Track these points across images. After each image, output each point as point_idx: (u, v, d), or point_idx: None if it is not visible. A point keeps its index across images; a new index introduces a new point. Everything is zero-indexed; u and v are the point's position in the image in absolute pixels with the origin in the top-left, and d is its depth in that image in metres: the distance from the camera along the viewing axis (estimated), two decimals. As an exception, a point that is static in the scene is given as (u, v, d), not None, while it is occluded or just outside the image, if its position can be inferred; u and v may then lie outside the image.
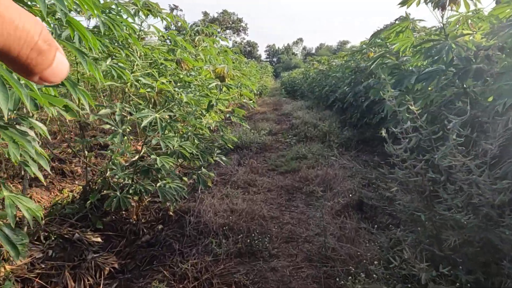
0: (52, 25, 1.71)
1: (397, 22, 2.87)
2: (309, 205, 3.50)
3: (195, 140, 2.78)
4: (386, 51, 2.95)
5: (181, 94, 2.35)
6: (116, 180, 2.33)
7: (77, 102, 1.58)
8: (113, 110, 2.16)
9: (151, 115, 2.10)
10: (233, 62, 8.39)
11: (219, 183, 4.16)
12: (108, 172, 2.37)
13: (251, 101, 3.17)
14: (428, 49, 2.44)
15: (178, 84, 3.10)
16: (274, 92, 22.10)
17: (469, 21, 3.07)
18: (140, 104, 2.39)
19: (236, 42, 63.04)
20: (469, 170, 1.78)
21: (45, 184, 3.48)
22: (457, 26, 3.24)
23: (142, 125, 2.02)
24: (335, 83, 7.64)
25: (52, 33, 1.72)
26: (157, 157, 2.29)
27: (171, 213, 3.09)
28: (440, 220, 1.85)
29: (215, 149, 3.08)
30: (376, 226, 2.89)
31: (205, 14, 59.93)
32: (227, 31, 62.35)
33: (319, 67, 10.77)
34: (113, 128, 2.19)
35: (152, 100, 2.30)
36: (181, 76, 3.13)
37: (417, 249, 1.89)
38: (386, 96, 2.07)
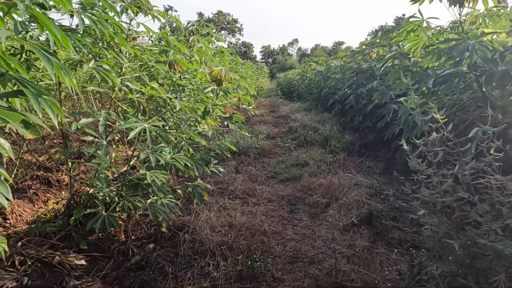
0: (18, 20, 1.44)
1: (411, 20, 2.63)
2: (313, 218, 3.24)
3: (190, 150, 2.52)
4: (397, 52, 2.71)
5: (174, 101, 2.09)
6: (100, 197, 2.06)
7: (50, 114, 1.32)
8: (96, 119, 1.89)
9: (139, 125, 1.84)
10: (229, 64, 8.13)
11: (216, 193, 3.90)
12: (91, 189, 2.10)
13: (251, 107, 2.92)
14: (449, 49, 2.20)
15: (171, 88, 2.83)
16: (270, 93, 21.87)
17: (487, 19, 2.85)
18: (127, 112, 2.12)
19: (231, 43, 62.73)
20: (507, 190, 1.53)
21: (8, 208, 3.18)
22: (473, 25, 3.01)
23: (129, 137, 1.75)
24: (334, 85, 7.41)
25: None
26: (147, 172, 2.02)
27: (163, 229, 2.82)
28: (471, 246, 1.60)
29: (212, 159, 2.81)
30: (388, 244, 2.65)
31: (200, 15, 59.51)
32: (222, 31, 62.02)
33: (317, 68, 10.54)
34: (96, 140, 1.92)
35: (141, 107, 2.03)
36: (174, 79, 2.86)
37: (446, 279, 1.64)
38: (409, 102, 1.81)
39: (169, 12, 57.09)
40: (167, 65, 3.02)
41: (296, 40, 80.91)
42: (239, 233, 2.84)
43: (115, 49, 2.31)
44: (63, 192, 4.05)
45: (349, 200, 3.30)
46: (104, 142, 1.93)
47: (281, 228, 3.05)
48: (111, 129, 2.58)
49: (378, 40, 5.83)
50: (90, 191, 2.08)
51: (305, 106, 10.83)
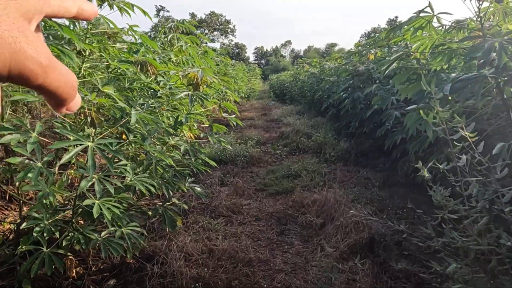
0: None
1: (421, 15, 2.24)
2: (306, 241, 2.83)
3: (159, 169, 2.09)
4: (404, 52, 2.32)
5: (130, 110, 1.67)
6: (36, 234, 1.63)
7: None
8: (26, 136, 1.46)
9: (80, 144, 1.41)
10: (218, 65, 7.71)
11: (196, 209, 3.47)
12: (24, 224, 1.66)
13: (233, 116, 2.50)
14: (471, 49, 1.81)
15: (140, 93, 2.41)
16: (263, 95, 21.51)
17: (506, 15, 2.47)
18: (66, 125, 1.68)
19: (224, 44, 62.25)
20: None
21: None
22: (488, 22, 2.64)
23: (63, 160, 1.33)
24: (328, 88, 7.02)
25: None
26: (96, 201, 1.59)
27: (129, 260, 2.38)
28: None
29: (187, 177, 2.39)
30: (395, 279, 2.25)
31: (193, 15, 58.92)
32: (215, 32, 61.56)
33: (310, 69, 10.16)
34: (26, 162, 1.49)
35: (89, 119, 1.60)
36: (145, 83, 2.44)
37: None
38: (430, 117, 1.41)
39: (161, 12, 56.34)
40: (138, 66, 2.60)
41: (289, 42, 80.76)
42: (219, 263, 2.42)
43: (65, 46, 1.87)
44: (24, 208, 3.59)
45: (346, 221, 2.89)
46: (39, 164, 1.50)
47: (269, 255, 2.63)
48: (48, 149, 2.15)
49: (372, 42, 5.46)
50: (22, 226, 1.64)
51: (297, 109, 10.45)
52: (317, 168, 4.43)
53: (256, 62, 72.10)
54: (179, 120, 2.16)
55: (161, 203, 2.38)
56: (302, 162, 4.79)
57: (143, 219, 2.75)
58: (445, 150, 2.48)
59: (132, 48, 2.61)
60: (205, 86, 2.37)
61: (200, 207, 3.55)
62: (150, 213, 2.47)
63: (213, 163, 2.51)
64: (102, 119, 1.65)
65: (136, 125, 2.12)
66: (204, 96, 2.13)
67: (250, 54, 77.56)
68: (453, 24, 2.92)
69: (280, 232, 3.02)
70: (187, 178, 2.38)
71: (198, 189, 2.40)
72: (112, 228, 1.88)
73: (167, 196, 2.15)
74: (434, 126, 1.44)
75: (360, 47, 5.19)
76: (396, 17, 49.55)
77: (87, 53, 2.37)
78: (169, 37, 3.55)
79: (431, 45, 2.59)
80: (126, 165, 1.87)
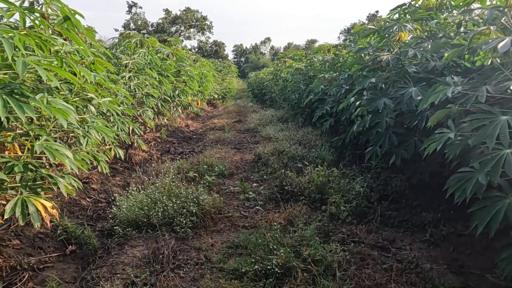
0: None
1: None
2: None
3: None
4: None
5: None
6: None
7: None
8: None
9: None
10: (165, 59, 5.45)
11: None
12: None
13: None
14: None
15: None
16: (242, 94, 19.36)
17: None
18: None
19: (201, 42, 59.40)
20: None
21: None
22: None
23: None
24: (323, 89, 4.89)
25: None
26: None
27: None
28: None
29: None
30: None
31: (167, 11, 55.80)
32: (191, 29, 58.63)
33: (293, 64, 7.98)
34: None
35: None
36: None
37: None
38: None
39: (133, 9, 53.02)
40: None
41: (268, 39, 78.42)
42: None
43: None
44: None
45: None
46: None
47: None
48: None
49: (401, 12, 3.35)
50: None
51: (279, 114, 8.30)
52: (323, 254, 2.26)
53: (236, 59, 69.66)
54: None
55: None
56: (292, 231, 2.61)
57: None
58: None
59: None
60: None
61: None
62: None
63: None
64: None
65: None
66: None
67: (229, 52, 75.04)
68: None
69: None
70: None
71: None
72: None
73: None
74: None
75: (387, 21, 3.08)
76: (377, 11, 47.89)
77: None
78: None
79: None
80: None
